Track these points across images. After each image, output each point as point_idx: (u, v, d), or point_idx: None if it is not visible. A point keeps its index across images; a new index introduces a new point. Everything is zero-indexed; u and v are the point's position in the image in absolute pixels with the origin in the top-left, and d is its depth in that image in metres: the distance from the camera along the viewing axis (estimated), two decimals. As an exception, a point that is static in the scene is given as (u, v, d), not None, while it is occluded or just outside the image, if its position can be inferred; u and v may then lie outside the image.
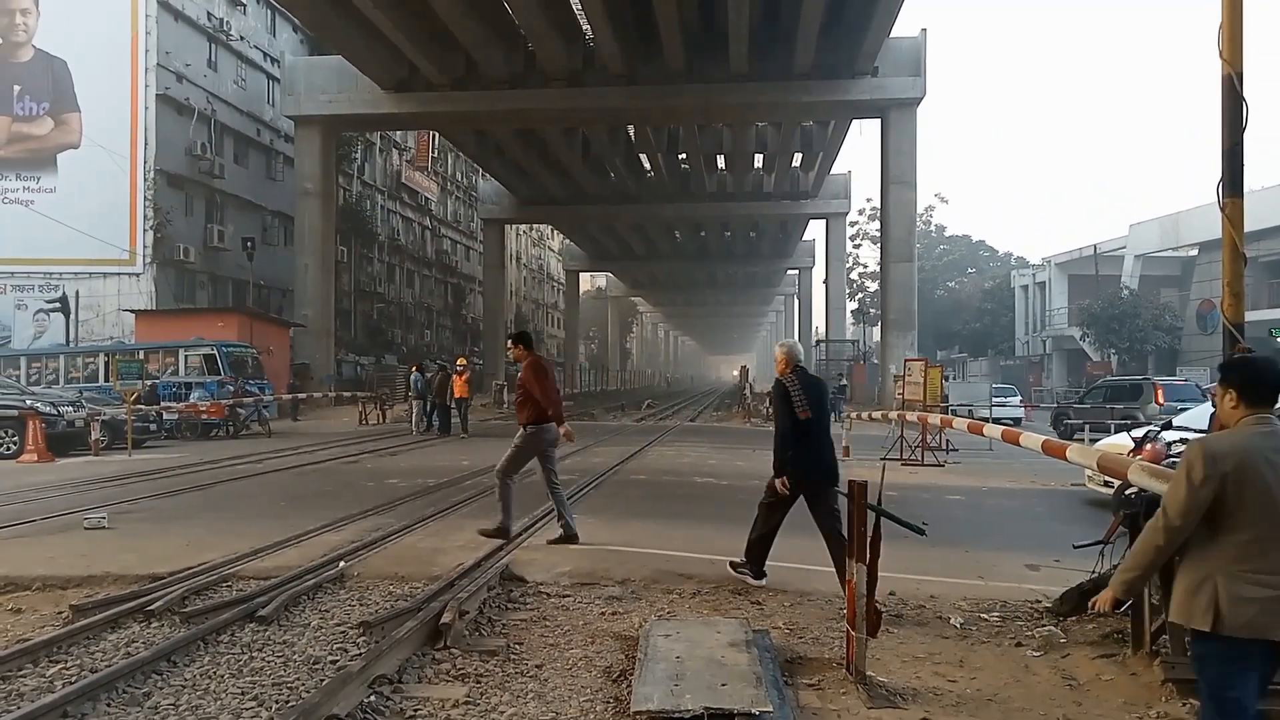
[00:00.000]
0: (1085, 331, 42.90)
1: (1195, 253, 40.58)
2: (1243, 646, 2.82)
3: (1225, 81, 5.01)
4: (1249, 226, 5.41)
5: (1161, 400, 20.37)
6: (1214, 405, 3.64)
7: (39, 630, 5.35)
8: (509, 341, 8.49)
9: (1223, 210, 5.03)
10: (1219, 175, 5.05)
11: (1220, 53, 5.03)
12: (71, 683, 4.40)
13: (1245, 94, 5.00)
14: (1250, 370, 3.06)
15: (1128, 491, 5.42)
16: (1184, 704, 4.18)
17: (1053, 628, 5.52)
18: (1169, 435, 9.57)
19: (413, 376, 23.56)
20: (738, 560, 6.61)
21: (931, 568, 7.00)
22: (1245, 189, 5.15)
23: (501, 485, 7.95)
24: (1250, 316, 5.74)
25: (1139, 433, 10.39)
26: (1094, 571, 5.65)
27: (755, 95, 30.65)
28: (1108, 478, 8.45)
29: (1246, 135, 5.10)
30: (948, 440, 17.74)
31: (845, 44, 28.49)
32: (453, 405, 21.95)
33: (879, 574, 4.54)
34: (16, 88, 32.07)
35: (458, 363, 22.86)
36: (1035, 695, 4.47)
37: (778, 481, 6.21)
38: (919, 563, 6.97)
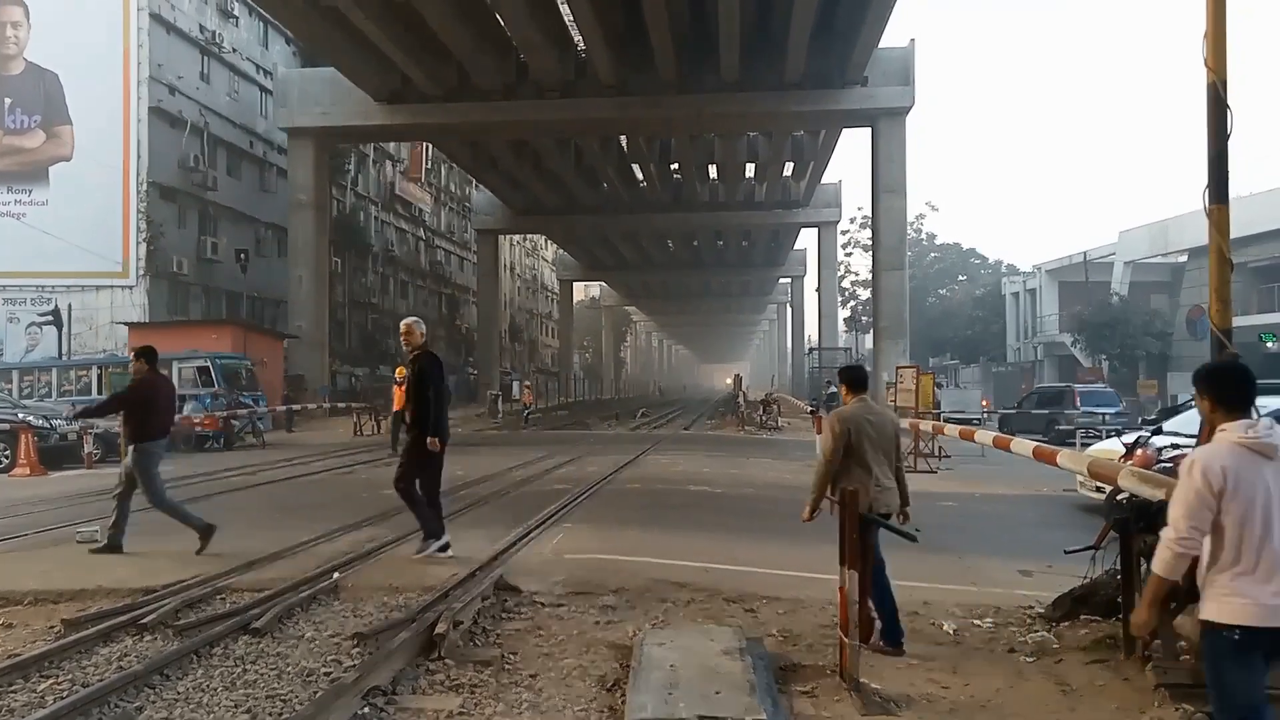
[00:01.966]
0: (1076, 338, 43.02)
1: (1185, 259, 40.75)
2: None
3: (1210, 89, 5.07)
4: (1238, 232, 5.46)
5: (1078, 404, 24.50)
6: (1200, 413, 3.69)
7: (30, 645, 5.33)
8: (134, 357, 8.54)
9: (1209, 217, 5.07)
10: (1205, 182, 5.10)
11: (1205, 61, 5.08)
12: (63, 697, 4.38)
13: (1230, 101, 5.05)
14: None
15: (1119, 497, 5.45)
16: (1176, 709, 4.20)
17: (1046, 633, 5.54)
18: (1159, 440, 9.62)
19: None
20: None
21: (924, 574, 7.01)
22: (1234, 195, 5.21)
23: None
24: (1240, 321, 5.79)
25: (1130, 438, 10.43)
26: (1086, 577, 5.68)
27: (746, 105, 30.79)
28: (1099, 483, 8.48)
29: (1233, 142, 5.16)
30: (940, 447, 17.78)
31: (835, 54, 28.65)
32: (386, 419, 20.00)
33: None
34: (8, 100, 32.04)
35: (396, 373, 20.01)
36: (1029, 701, 4.49)
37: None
38: (911, 569, 6.97)
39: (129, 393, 8.27)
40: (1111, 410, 24.42)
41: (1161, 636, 4.61)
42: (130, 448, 8.07)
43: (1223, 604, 3.01)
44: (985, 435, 11.49)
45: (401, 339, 8.02)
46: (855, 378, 5.48)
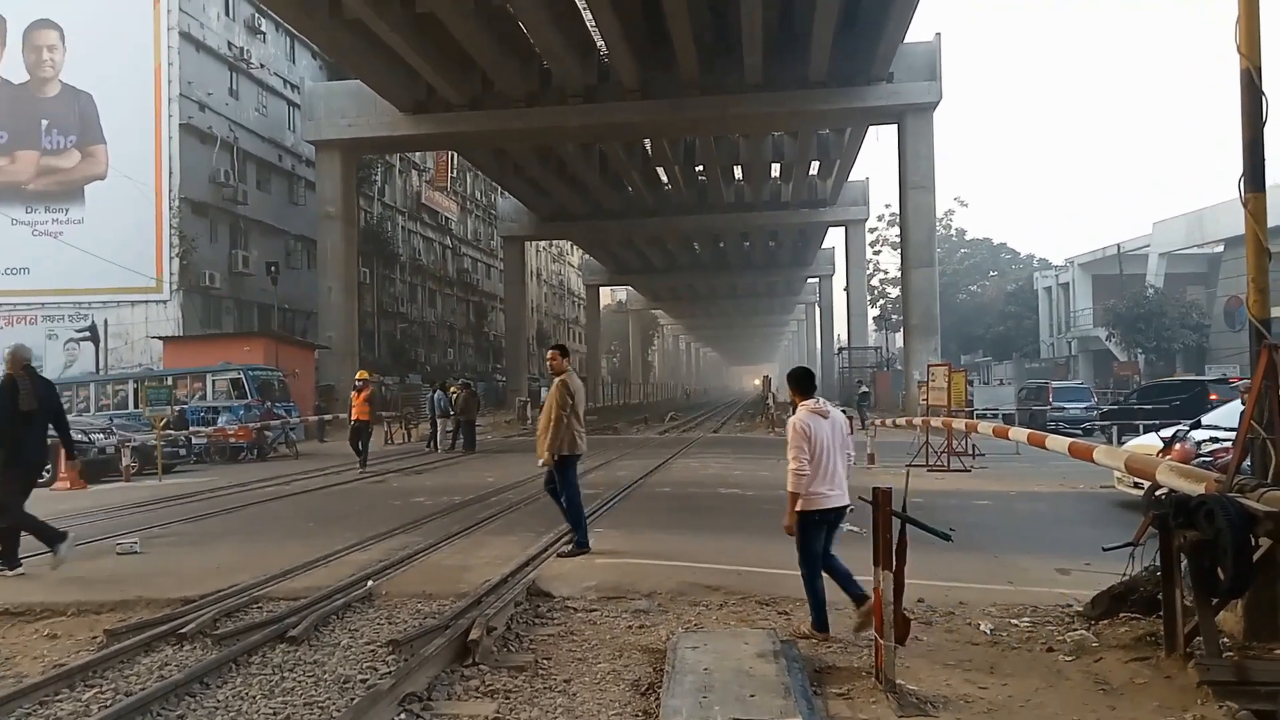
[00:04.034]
0: (1111, 332, 42.42)
1: (1221, 249, 40.04)
2: None
3: (1244, 76, 4.99)
4: (1275, 220, 5.36)
5: (1051, 400, 27.32)
6: (1243, 403, 3.62)
7: (74, 655, 5.42)
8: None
9: (1245, 205, 4.99)
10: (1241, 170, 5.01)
11: (1238, 47, 5.00)
12: (107, 706, 4.46)
13: (1264, 87, 4.97)
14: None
15: (1158, 492, 5.36)
16: (1220, 706, 4.11)
17: (1084, 632, 5.45)
18: (1198, 435, 9.45)
19: (435, 395, 23.67)
20: None
21: (960, 574, 6.94)
22: (1271, 182, 5.11)
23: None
24: (1279, 312, 5.66)
25: (1168, 432, 10.25)
26: (1125, 574, 5.59)
27: (771, 105, 30.68)
28: (1137, 479, 8.36)
29: (1269, 128, 5.07)
30: (974, 445, 17.59)
31: (860, 51, 28.48)
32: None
33: (906, 581, 4.51)
34: (44, 122, 32.73)
35: (357, 377, 19.12)
36: (1068, 701, 4.42)
37: None
38: (947, 569, 6.91)
39: None
40: (1083, 405, 26.87)
41: (1204, 633, 4.52)
42: None
43: (811, 500, 5.38)
44: (1020, 433, 11.34)
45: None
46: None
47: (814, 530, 5.45)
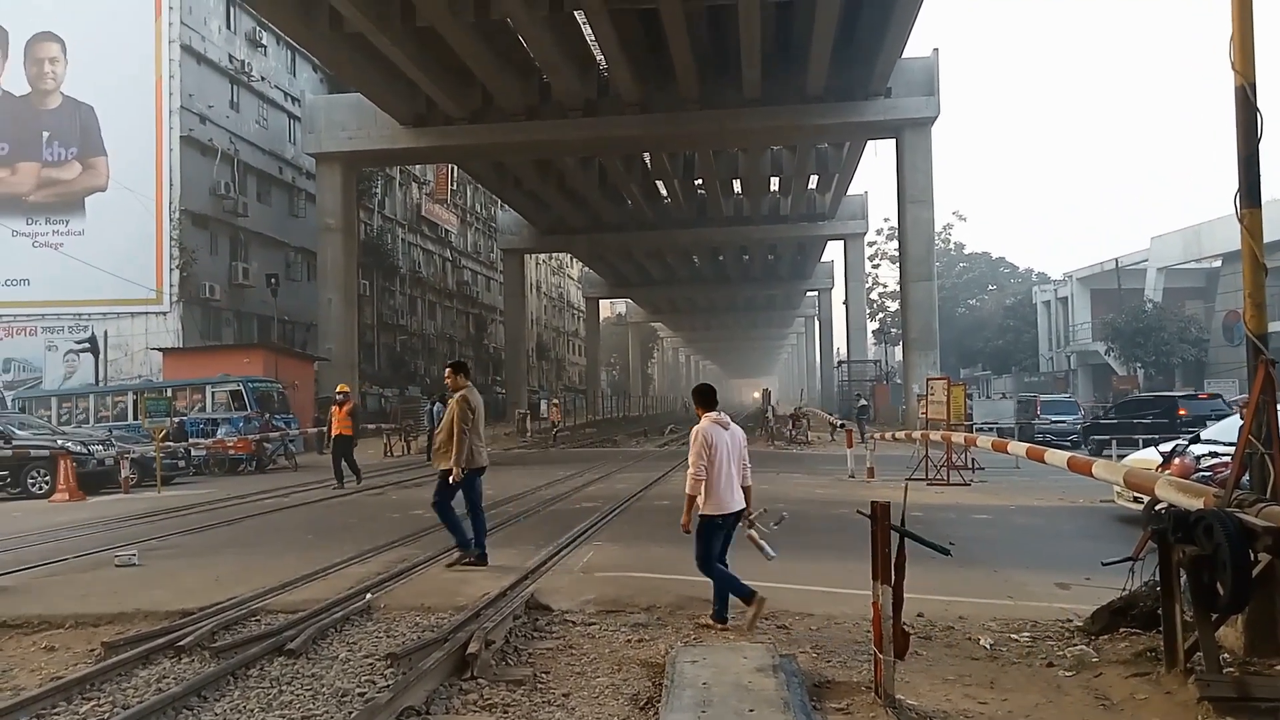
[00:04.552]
0: (1110, 346, 42.46)
1: (1219, 264, 40.14)
2: None
3: (1238, 92, 5.02)
4: (1272, 235, 5.38)
5: (1039, 413, 27.95)
6: (1241, 418, 3.64)
7: (72, 668, 5.41)
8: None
9: (1241, 221, 5.01)
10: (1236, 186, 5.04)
11: (1232, 64, 5.04)
12: (104, 719, 4.44)
13: (1259, 104, 5.00)
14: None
15: (1157, 507, 5.36)
16: (1221, 722, 4.10)
17: (1084, 647, 5.45)
18: (1197, 449, 9.45)
19: (434, 408, 23.64)
20: None
21: (960, 588, 6.93)
22: (1267, 198, 5.14)
23: None
24: (1276, 326, 5.69)
25: (1167, 447, 10.25)
26: (1125, 589, 5.59)
27: (769, 119, 30.81)
28: (1137, 494, 8.36)
29: (1264, 144, 5.10)
30: (973, 459, 17.57)
31: (858, 66, 28.63)
32: (326, 448, 17.87)
33: (905, 595, 4.51)
34: (46, 134, 32.82)
35: (337, 390, 17.66)
36: (1068, 716, 4.42)
37: None
38: (947, 584, 6.91)
39: None
40: (1070, 418, 27.67)
41: (1204, 648, 4.52)
42: None
43: (710, 503, 5.97)
44: (1019, 447, 11.34)
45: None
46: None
47: (715, 533, 6.05)
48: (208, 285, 32.74)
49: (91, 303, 31.85)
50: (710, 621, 6.07)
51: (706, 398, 6.29)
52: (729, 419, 6.23)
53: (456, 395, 8.22)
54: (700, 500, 6.00)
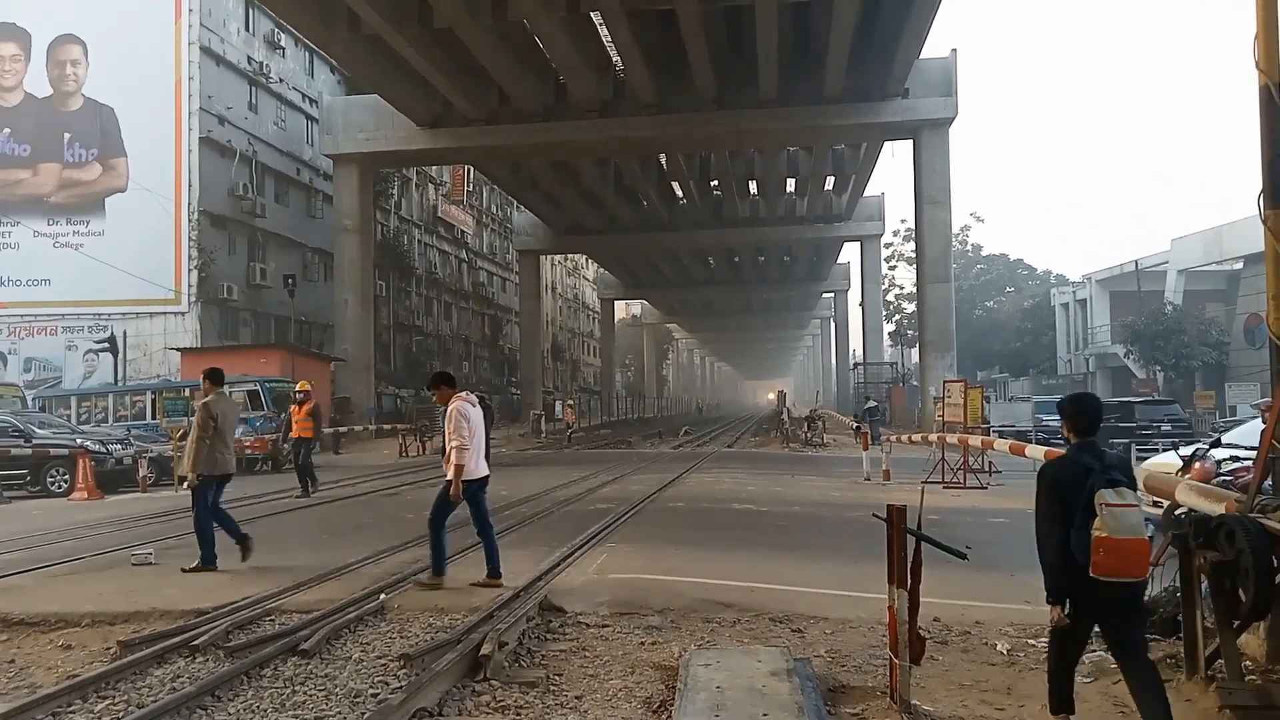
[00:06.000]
0: (1129, 349, 42.07)
1: (1241, 266, 39.71)
2: None
3: (1263, 92, 4.95)
4: (1294, 238, 5.29)
5: (1034, 413, 27.30)
6: (1264, 421, 3.58)
7: (88, 666, 5.44)
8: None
9: (1264, 222, 4.94)
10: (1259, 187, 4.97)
11: (1256, 63, 4.96)
12: (119, 718, 4.47)
13: (1284, 104, 4.92)
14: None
15: (1177, 512, 5.29)
16: (1242, 731, 4.04)
17: (1102, 653, 5.37)
18: (1218, 453, 9.32)
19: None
20: None
21: (976, 593, 6.87)
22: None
23: None
24: (1298, 330, 5.60)
25: (1187, 451, 10.13)
26: (1144, 595, 5.51)
27: (786, 120, 30.74)
28: (1156, 498, 8.26)
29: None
30: (990, 462, 17.45)
31: (875, 67, 28.52)
32: (286, 447, 16.89)
33: (921, 600, 4.46)
34: (67, 135, 33.15)
35: (297, 389, 15.74)
36: (1086, 723, 4.35)
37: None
38: (963, 588, 6.84)
39: None
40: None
41: (1225, 656, 4.45)
42: None
43: (470, 471, 7.19)
44: (1036, 450, 11.24)
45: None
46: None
47: (462, 498, 7.30)
48: (226, 286, 32.96)
49: (111, 303, 32.12)
50: (430, 579, 7.26)
51: (450, 381, 7.57)
52: (474, 398, 7.50)
53: (199, 404, 8.54)
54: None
